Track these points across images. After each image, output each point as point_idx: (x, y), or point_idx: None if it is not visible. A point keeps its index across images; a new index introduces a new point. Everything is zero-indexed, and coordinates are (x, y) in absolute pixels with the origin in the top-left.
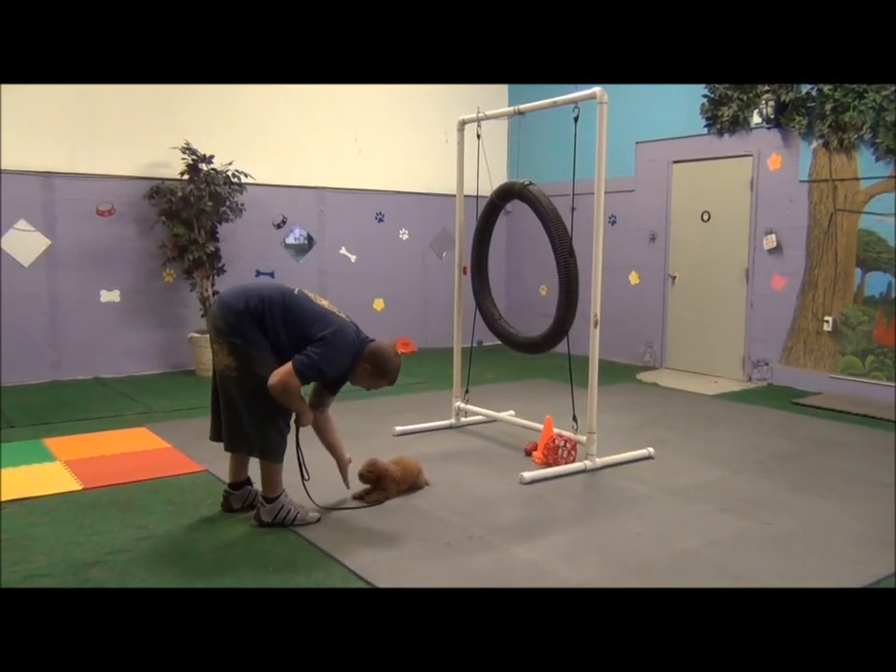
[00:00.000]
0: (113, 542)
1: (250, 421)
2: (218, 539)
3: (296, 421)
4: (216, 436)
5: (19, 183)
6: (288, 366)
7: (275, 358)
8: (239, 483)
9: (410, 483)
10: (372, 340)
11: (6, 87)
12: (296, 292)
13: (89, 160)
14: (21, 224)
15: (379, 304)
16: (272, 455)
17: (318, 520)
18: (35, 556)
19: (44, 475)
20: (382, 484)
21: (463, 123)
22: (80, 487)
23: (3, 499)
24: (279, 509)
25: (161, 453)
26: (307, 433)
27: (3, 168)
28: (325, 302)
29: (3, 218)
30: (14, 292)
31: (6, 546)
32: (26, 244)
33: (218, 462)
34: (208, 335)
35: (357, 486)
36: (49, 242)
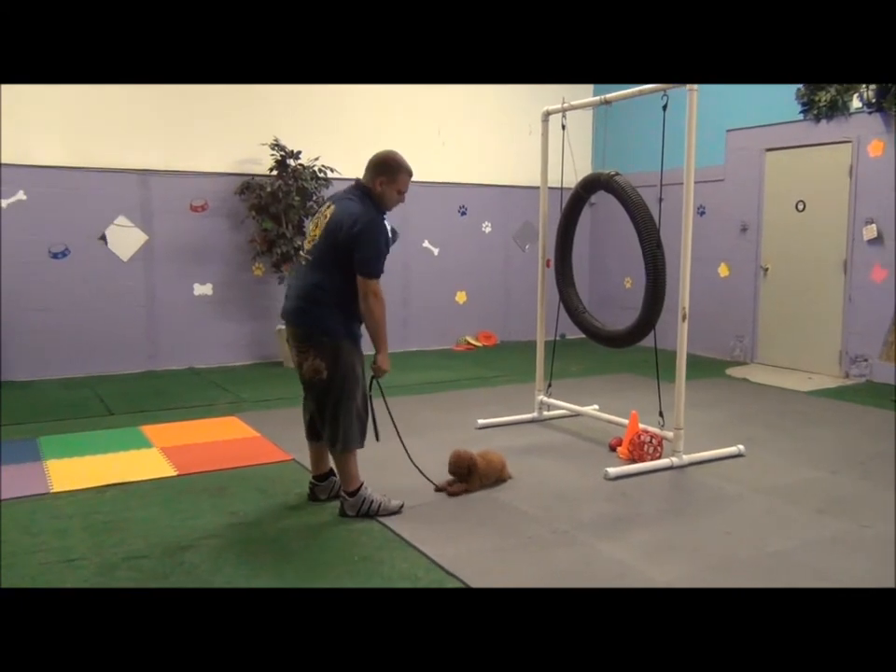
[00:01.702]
0: (206, 527)
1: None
2: (306, 528)
3: (375, 373)
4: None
5: (118, 181)
6: (363, 282)
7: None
8: (323, 474)
9: (494, 477)
10: (357, 179)
11: (103, 88)
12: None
13: (183, 158)
14: (121, 220)
15: (461, 297)
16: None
17: (402, 507)
18: (134, 539)
19: (141, 461)
20: (469, 478)
21: (548, 114)
22: (175, 473)
23: (104, 484)
24: (362, 501)
25: (250, 441)
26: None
27: (103, 167)
28: (315, 232)
29: (104, 214)
30: (114, 286)
31: (106, 528)
32: (125, 239)
33: (305, 452)
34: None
35: (435, 477)
36: (147, 237)
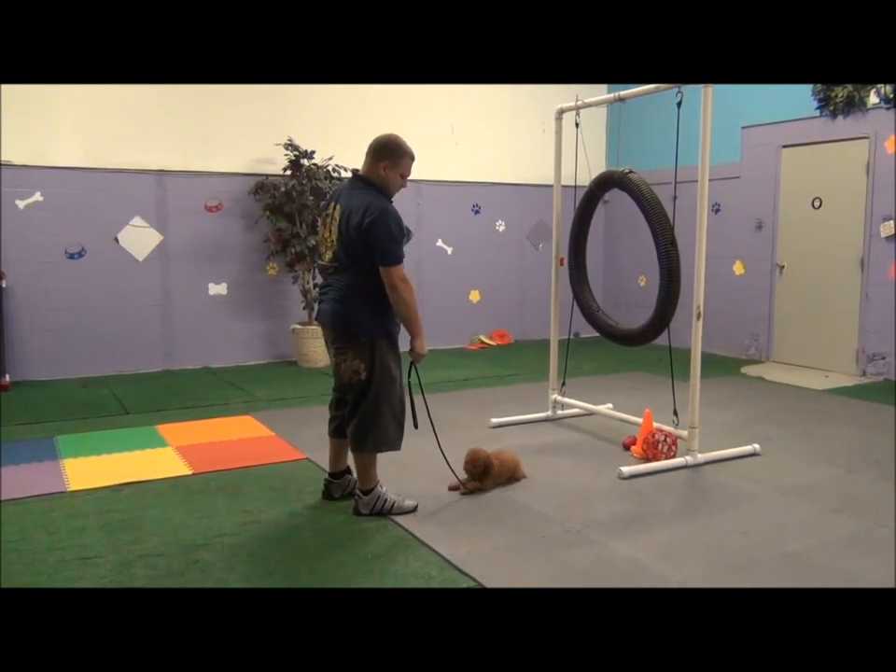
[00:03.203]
0: (220, 526)
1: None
2: (320, 526)
3: (413, 359)
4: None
5: (134, 181)
6: (386, 272)
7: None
8: (340, 472)
9: (507, 476)
10: (355, 170)
11: (119, 89)
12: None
13: (198, 158)
14: (136, 220)
15: (475, 296)
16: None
17: (416, 507)
18: (149, 537)
19: (157, 460)
20: (485, 477)
21: (561, 112)
22: (190, 472)
23: (120, 482)
24: (376, 499)
25: (265, 440)
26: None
27: (119, 167)
28: (326, 233)
29: (120, 215)
30: (129, 286)
31: (122, 526)
32: (141, 239)
33: (319, 451)
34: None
35: (451, 477)
36: (162, 237)
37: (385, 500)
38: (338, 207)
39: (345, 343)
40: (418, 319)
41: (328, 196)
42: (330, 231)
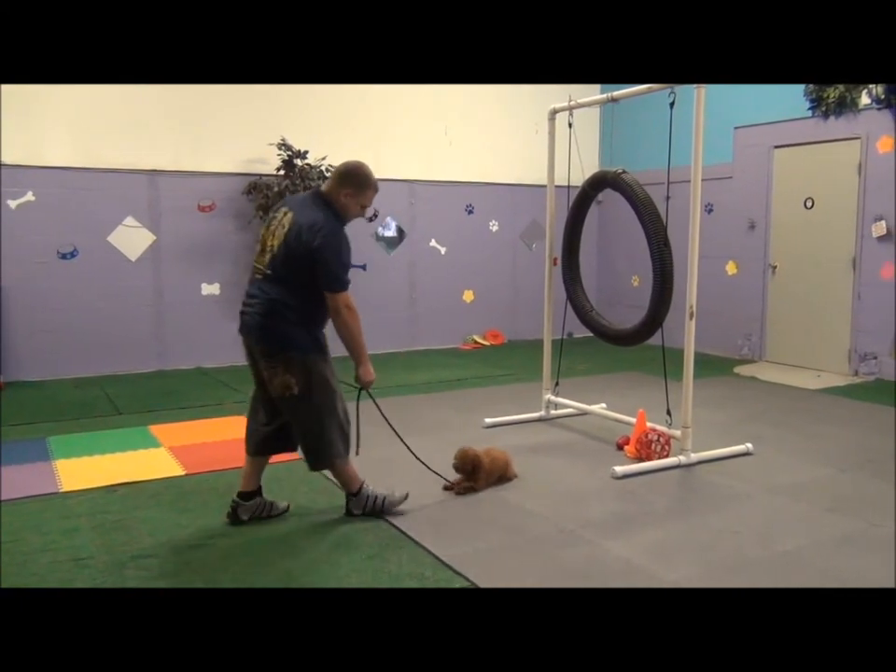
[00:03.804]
0: (214, 527)
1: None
2: (313, 527)
3: (360, 383)
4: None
5: (127, 181)
6: (332, 298)
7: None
8: (251, 492)
9: (498, 475)
10: (317, 186)
11: (112, 89)
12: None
13: (191, 158)
14: (129, 220)
15: (469, 296)
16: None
17: (406, 496)
18: (142, 538)
19: (150, 460)
20: (475, 475)
21: (554, 112)
22: (183, 473)
23: (113, 483)
24: (366, 499)
25: None
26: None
27: (111, 167)
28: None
29: (113, 214)
30: (122, 286)
31: (114, 527)
32: (133, 239)
33: None
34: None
35: (441, 476)
36: (154, 237)
37: (376, 497)
38: (289, 216)
39: (275, 358)
40: (362, 346)
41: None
42: (274, 237)
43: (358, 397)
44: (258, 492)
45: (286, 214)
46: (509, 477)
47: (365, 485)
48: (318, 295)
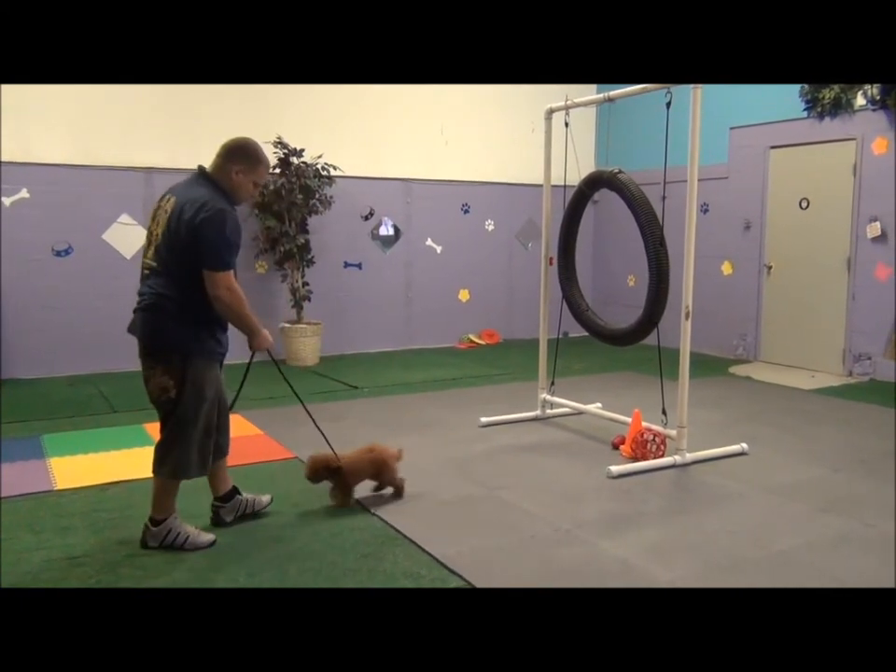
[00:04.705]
0: (208, 526)
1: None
2: (308, 526)
3: (251, 345)
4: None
5: (122, 179)
6: (210, 277)
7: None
8: (227, 494)
9: (366, 477)
10: (200, 166)
11: (107, 86)
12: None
13: (187, 155)
14: (124, 218)
15: (464, 295)
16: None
17: (213, 542)
18: (137, 536)
19: (145, 459)
20: (335, 480)
21: (550, 112)
22: None
23: (107, 481)
24: (167, 532)
25: (254, 439)
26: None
27: (108, 165)
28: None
29: (108, 212)
30: (117, 284)
31: (109, 525)
32: (128, 237)
33: (308, 450)
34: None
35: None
36: None
37: (178, 534)
38: (172, 200)
39: (154, 358)
40: (250, 319)
41: (325, 195)
42: (157, 224)
43: (252, 358)
44: (235, 491)
45: (168, 199)
46: (392, 483)
47: (172, 517)
48: (205, 285)
